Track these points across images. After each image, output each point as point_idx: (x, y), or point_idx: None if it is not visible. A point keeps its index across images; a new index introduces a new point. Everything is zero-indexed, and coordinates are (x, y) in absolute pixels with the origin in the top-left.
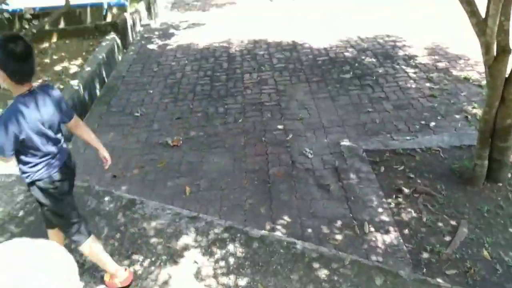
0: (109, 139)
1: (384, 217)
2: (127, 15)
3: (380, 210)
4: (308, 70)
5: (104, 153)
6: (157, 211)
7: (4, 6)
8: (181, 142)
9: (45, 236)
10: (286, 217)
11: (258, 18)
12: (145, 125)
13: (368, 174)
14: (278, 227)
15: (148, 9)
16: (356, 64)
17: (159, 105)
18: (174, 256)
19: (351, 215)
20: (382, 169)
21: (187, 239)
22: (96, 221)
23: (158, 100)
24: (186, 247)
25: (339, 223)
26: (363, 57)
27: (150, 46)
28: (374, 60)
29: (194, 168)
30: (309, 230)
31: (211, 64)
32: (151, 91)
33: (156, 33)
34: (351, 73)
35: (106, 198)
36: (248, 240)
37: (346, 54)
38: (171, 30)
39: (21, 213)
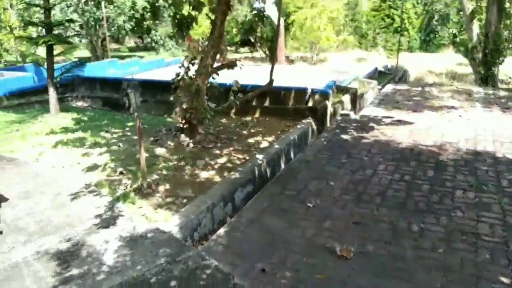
0: (274, 224)
1: None
2: (328, 103)
3: None
4: None
5: None
6: None
7: (215, 77)
8: (352, 254)
9: None
10: None
11: (485, 127)
12: (315, 220)
13: None
14: None
15: (353, 101)
16: None
17: (337, 201)
18: None
19: None
20: None
21: None
22: None
23: (338, 195)
24: None
25: None
26: None
27: (344, 136)
28: None
29: None
30: None
31: (412, 168)
32: (333, 183)
33: (354, 124)
34: None
35: None
36: None
37: None
38: (371, 124)
39: (153, 279)
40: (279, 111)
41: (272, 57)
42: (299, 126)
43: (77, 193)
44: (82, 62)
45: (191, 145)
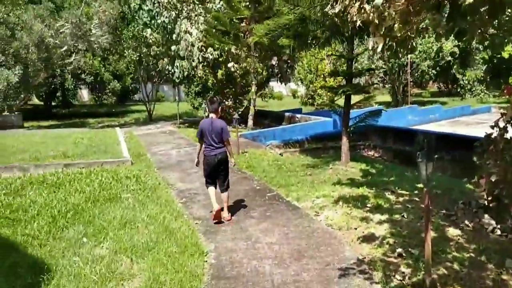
0: None
1: None
2: None
3: None
4: None
5: (232, 159)
6: None
7: None
8: None
9: None
10: None
11: None
12: None
13: None
14: None
15: None
16: None
17: None
18: None
19: None
20: None
21: None
22: None
23: None
24: None
25: None
26: None
27: None
28: None
29: None
30: None
31: None
32: None
33: None
34: None
35: None
36: None
37: None
38: None
39: None
40: None
41: None
42: None
43: (347, 269)
44: (378, 111)
45: (498, 232)
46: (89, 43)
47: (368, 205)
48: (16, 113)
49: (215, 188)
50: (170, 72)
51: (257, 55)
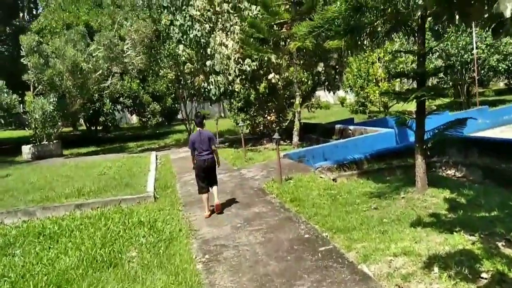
0: None
1: None
2: None
3: None
4: None
5: (218, 163)
6: None
7: None
8: None
9: None
10: None
11: None
12: None
13: None
14: None
15: None
16: None
17: None
18: None
19: None
20: None
21: None
22: None
23: None
24: None
25: None
26: None
27: None
28: None
29: None
30: None
31: None
32: None
33: None
34: None
35: None
36: None
37: None
38: None
39: None
40: None
41: None
42: None
43: None
44: (462, 119)
45: None
46: (124, 65)
47: (483, 274)
48: (55, 141)
49: (208, 192)
50: (206, 90)
51: (300, 63)
